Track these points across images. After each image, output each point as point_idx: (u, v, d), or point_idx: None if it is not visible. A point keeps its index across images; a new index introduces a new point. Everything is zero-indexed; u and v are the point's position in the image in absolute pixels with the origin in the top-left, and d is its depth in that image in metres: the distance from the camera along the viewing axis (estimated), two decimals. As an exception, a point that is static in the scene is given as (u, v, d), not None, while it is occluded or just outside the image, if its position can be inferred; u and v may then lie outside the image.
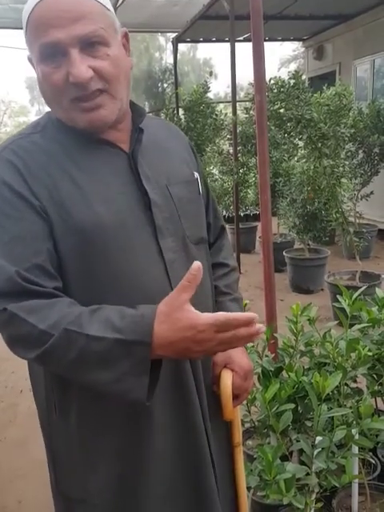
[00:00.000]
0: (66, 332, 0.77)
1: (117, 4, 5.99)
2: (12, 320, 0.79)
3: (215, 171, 6.31)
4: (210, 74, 4.33)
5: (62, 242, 0.86)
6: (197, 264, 0.76)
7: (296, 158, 4.80)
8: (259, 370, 1.53)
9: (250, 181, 6.25)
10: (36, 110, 29.90)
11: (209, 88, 4.11)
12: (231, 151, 5.77)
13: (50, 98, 0.87)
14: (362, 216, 3.70)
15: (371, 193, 4.95)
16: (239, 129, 5.25)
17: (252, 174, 5.99)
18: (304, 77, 4.26)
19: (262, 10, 1.87)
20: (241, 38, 7.31)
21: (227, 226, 6.79)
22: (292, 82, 3.13)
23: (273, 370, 1.52)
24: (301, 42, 8.93)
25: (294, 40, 8.87)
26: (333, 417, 1.34)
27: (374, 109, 4.97)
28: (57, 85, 0.84)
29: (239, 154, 5.33)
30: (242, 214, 6.55)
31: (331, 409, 1.31)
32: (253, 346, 1.53)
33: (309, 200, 3.75)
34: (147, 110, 10.02)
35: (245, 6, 5.47)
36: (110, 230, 0.87)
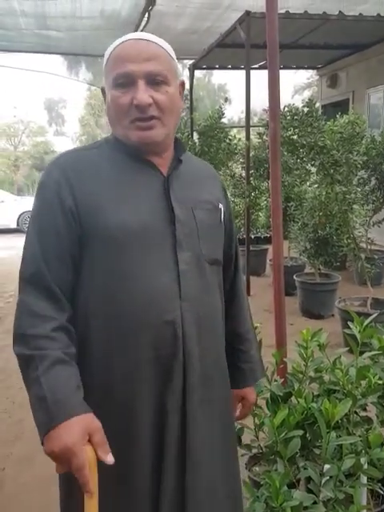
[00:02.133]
0: (32, 358, 0.94)
1: (138, 30, 6.19)
2: (19, 306, 1.00)
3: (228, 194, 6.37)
4: (226, 100, 4.40)
5: (87, 240, 1.01)
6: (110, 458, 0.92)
7: (308, 183, 4.84)
8: (268, 394, 1.53)
9: (262, 204, 6.29)
10: (54, 131, 30.61)
11: (224, 114, 4.19)
12: (243, 175, 5.84)
13: (114, 117, 1.06)
14: (373, 242, 3.69)
15: (383, 219, 4.95)
16: (252, 153, 5.32)
17: (264, 198, 6.03)
18: (317, 104, 4.32)
19: (278, 39, 1.92)
20: (256, 66, 7.46)
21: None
22: (306, 109, 3.18)
23: (281, 395, 1.52)
24: (315, 70, 9.09)
25: (308, 68, 9.02)
26: (341, 445, 1.32)
27: (387, 136, 5.00)
28: (122, 106, 1.03)
29: (251, 178, 5.38)
30: (252, 237, 6.57)
31: (340, 437, 1.30)
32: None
33: (320, 225, 3.76)
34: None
35: (260, 34, 5.61)
36: (132, 235, 1.01)
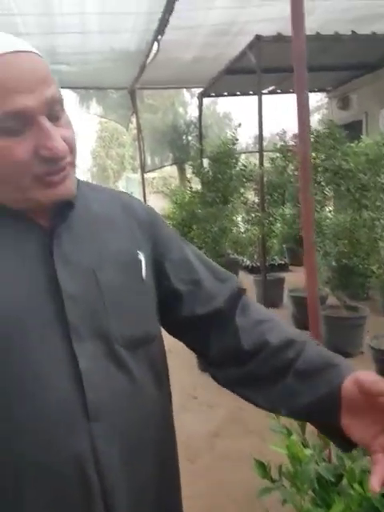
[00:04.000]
0: None
1: (147, 61, 6.13)
2: None
3: (240, 220, 6.17)
4: (239, 125, 4.23)
5: None
6: None
7: (328, 209, 4.59)
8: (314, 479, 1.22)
9: (276, 231, 6.05)
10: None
11: (237, 140, 4.02)
12: (256, 201, 5.63)
13: (7, 176, 0.69)
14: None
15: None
16: (265, 179, 5.13)
17: (278, 225, 5.80)
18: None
19: (305, 60, 1.74)
20: (265, 91, 7.36)
21: (252, 277, 6.58)
22: (326, 131, 2.96)
23: (333, 479, 1.21)
24: (324, 93, 8.97)
25: (318, 91, 8.92)
26: None
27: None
28: (20, 160, 0.67)
29: (265, 204, 5.17)
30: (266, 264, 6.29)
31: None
32: (310, 455, 1.22)
33: (345, 253, 3.48)
34: (171, 161, 10.12)
35: (270, 59, 5.50)
36: (3, 329, 0.67)
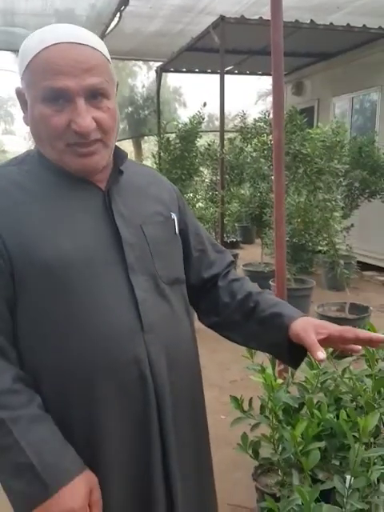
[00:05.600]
0: (0, 422, 0.80)
1: (106, 31, 6.09)
2: None
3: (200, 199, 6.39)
4: (204, 104, 4.40)
5: (23, 279, 0.85)
6: None
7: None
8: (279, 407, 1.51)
9: (232, 209, 6.34)
10: (2, 129, 29.50)
11: (204, 118, 4.20)
12: (214, 179, 5.86)
13: (45, 138, 0.88)
14: (351, 248, 3.79)
15: (351, 225, 5.11)
16: (225, 159, 5.36)
17: (235, 204, 6.08)
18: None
19: (282, 45, 1.92)
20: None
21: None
22: (288, 116, 3.22)
23: (297, 406, 1.51)
24: (279, 77, 9.26)
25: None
26: (364, 459, 1.33)
27: (356, 145, 5.17)
28: (56, 128, 0.86)
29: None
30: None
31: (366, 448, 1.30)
32: (280, 384, 1.51)
33: (298, 231, 3.82)
34: (128, 135, 10.10)
35: (232, 40, 5.67)
36: (75, 266, 0.86)
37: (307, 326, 0.94)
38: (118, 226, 0.91)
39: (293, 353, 1.00)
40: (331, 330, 0.94)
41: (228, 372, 3.32)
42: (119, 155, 0.98)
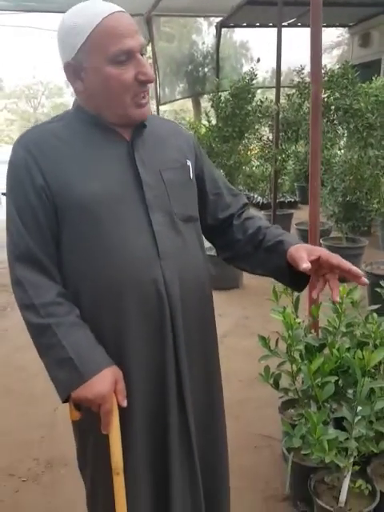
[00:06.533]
0: (47, 326, 1.01)
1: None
2: (18, 282, 1.05)
3: (253, 157, 6.35)
4: (258, 60, 4.35)
5: (63, 214, 1.04)
6: None
7: (338, 147, 4.81)
8: (302, 346, 1.65)
9: (288, 168, 6.27)
10: (71, 92, 30.14)
11: (256, 75, 4.16)
12: (270, 138, 5.80)
13: (115, 95, 1.04)
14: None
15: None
16: (281, 115, 5.27)
17: (291, 162, 6.01)
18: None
19: None
20: (285, 24, 7.23)
21: (263, 213, 6.88)
22: (341, 71, 3.16)
23: (317, 345, 1.64)
24: (345, 29, 8.76)
25: (339, 26, 8.70)
26: (372, 392, 1.45)
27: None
28: (126, 82, 1.02)
29: (279, 141, 5.35)
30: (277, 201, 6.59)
31: (373, 381, 1.42)
32: (299, 323, 1.64)
33: (350, 189, 3.78)
34: (188, 93, 10.05)
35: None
36: (104, 203, 1.04)
37: (300, 248, 1.10)
38: (139, 171, 1.09)
39: (293, 276, 1.16)
40: (321, 254, 1.07)
41: (270, 324, 3.46)
42: None
